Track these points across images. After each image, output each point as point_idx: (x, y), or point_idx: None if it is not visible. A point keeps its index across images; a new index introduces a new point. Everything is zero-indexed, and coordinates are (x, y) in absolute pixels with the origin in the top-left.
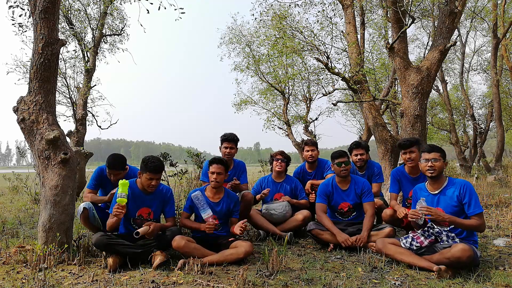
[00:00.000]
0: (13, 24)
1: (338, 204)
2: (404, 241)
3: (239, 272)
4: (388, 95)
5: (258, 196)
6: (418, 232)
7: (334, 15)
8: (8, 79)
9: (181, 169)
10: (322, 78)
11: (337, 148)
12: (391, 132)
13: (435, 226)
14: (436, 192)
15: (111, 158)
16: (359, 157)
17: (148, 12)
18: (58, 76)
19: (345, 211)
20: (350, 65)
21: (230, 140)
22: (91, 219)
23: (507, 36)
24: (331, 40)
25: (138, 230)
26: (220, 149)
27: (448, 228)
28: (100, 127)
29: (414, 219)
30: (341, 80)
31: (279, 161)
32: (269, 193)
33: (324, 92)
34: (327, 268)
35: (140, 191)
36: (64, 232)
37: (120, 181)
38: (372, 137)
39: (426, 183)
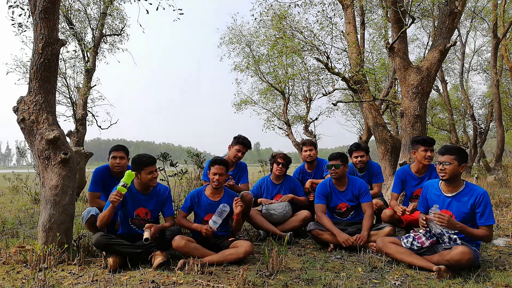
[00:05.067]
0: (12, 24)
1: (336, 204)
2: (405, 240)
3: (239, 272)
4: (388, 95)
5: (259, 200)
6: (420, 232)
7: (334, 15)
8: (8, 79)
9: (181, 169)
10: (322, 78)
11: (337, 148)
12: (391, 132)
13: (438, 227)
14: (450, 195)
15: (114, 145)
16: (359, 159)
17: (148, 13)
18: (58, 76)
19: (343, 211)
20: (350, 65)
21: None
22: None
23: (507, 36)
24: (331, 40)
25: (147, 236)
26: (230, 148)
27: (453, 232)
28: (100, 127)
29: (428, 225)
30: (341, 80)
31: (280, 165)
32: (269, 194)
33: (324, 92)
34: (327, 268)
35: (138, 191)
36: (64, 232)
37: (127, 171)
38: (372, 137)
39: (440, 181)
